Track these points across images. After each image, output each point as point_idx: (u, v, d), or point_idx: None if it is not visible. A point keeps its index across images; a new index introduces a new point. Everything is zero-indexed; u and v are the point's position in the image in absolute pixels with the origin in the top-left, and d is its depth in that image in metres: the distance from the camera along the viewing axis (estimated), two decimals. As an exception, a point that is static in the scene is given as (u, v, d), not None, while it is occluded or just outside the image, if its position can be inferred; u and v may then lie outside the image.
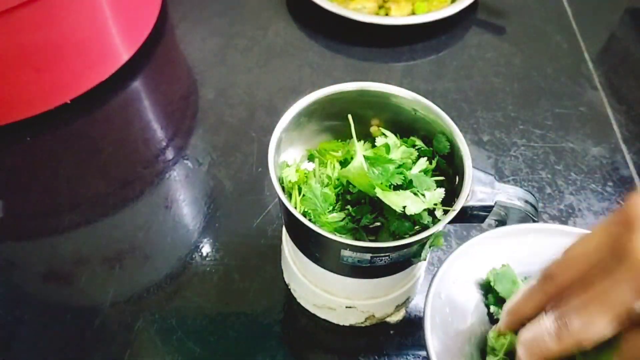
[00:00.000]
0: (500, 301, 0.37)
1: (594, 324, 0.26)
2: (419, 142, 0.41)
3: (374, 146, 0.41)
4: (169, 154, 0.59)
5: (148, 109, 0.64)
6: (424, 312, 0.35)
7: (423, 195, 0.37)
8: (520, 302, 0.32)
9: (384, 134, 0.41)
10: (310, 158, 0.43)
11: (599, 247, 0.27)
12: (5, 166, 0.58)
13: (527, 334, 0.30)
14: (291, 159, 0.42)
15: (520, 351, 0.30)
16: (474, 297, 0.38)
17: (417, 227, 0.38)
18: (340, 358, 0.46)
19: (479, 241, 0.38)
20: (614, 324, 0.26)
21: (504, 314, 0.33)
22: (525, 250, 0.39)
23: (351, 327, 0.46)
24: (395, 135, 0.41)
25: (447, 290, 0.36)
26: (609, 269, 0.26)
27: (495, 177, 0.40)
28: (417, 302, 0.48)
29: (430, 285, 0.36)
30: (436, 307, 0.35)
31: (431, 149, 0.41)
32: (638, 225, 0.25)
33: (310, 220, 0.37)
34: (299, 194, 0.39)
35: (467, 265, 0.38)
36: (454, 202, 0.37)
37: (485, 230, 0.39)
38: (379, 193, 0.36)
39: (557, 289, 0.29)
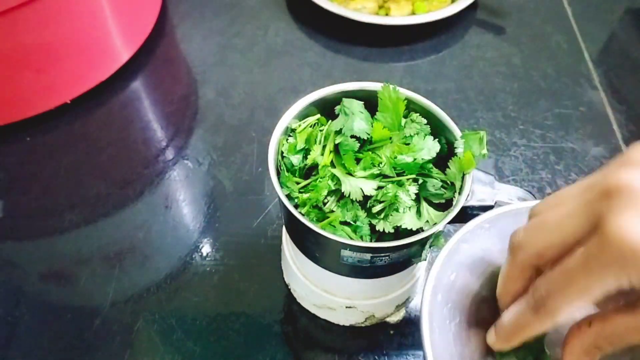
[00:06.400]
0: None
1: (570, 304, 0.25)
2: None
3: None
4: (169, 154, 0.59)
5: (148, 109, 0.64)
6: (420, 315, 0.32)
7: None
8: (504, 284, 0.29)
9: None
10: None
11: (574, 214, 0.25)
12: (5, 166, 0.58)
13: (507, 315, 0.28)
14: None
15: (500, 332, 0.29)
16: (472, 290, 0.35)
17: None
18: (340, 358, 0.46)
19: (474, 228, 0.35)
20: (590, 304, 0.25)
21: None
22: None
23: (351, 327, 0.46)
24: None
25: (444, 288, 0.34)
26: (584, 242, 0.24)
27: (495, 177, 0.40)
28: (417, 302, 0.48)
29: (425, 283, 0.33)
30: (434, 307, 0.33)
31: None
32: (618, 197, 0.23)
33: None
34: None
35: (463, 256, 0.35)
36: (454, 202, 0.37)
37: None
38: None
39: (532, 260, 0.27)
